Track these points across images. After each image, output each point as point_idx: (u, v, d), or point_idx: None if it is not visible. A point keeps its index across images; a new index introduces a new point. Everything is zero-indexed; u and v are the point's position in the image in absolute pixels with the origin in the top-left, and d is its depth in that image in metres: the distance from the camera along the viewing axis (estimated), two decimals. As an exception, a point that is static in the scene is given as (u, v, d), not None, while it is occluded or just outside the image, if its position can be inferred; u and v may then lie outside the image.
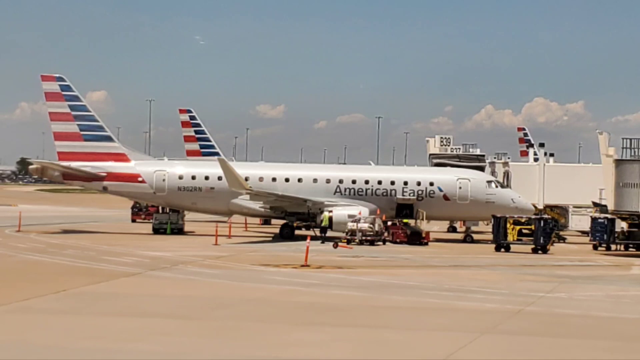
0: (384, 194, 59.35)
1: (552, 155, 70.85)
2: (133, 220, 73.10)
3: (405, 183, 59.26)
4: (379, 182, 59.56)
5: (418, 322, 25.69)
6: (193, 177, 59.47)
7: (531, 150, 76.07)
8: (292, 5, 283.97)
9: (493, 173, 65.37)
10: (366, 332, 23.44)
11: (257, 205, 58.10)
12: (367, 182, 59.60)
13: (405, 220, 58.05)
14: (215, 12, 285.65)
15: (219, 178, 57.02)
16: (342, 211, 56.52)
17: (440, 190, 58.79)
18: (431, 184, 58.99)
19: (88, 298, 28.60)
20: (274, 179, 59.69)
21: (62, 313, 25.51)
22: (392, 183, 59.44)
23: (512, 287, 33.72)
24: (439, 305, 28.94)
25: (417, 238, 55.40)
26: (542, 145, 71.03)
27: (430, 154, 71.03)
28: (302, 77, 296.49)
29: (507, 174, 65.79)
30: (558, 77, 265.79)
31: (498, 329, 24.47)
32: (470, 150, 70.32)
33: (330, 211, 56.33)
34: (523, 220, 52.30)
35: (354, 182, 59.54)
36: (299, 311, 27.02)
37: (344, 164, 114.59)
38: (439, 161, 67.49)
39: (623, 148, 51.76)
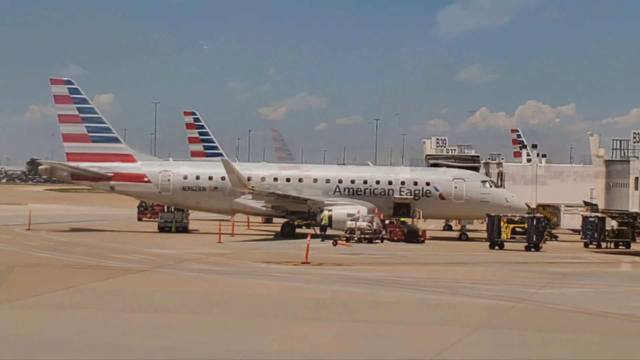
0: (382, 193, 60.08)
1: (544, 156, 71.17)
2: (139, 219, 73.76)
3: (403, 183, 60.04)
4: (377, 182, 60.20)
5: (415, 317, 25.95)
6: (197, 177, 60.17)
7: (524, 151, 76.46)
8: (293, 12, 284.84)
9: (487, 173, 65.94)
10: (365, 327, 23.72)
11: (259, 205, 58.78)
12: (365, 182, 60.27)
13: (402, 219, 58.62)
14: (218, 18, 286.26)
15: (222, 178, 57.76)
16: (341, 210, 57.18)
17: (437, 189, 59.52)
18: (427, 183, 59.75)
19: (96, 294, 28.91)
20: (275, 179, 60.49)
21: (71, 308, 25.75)
22: (390, 183, 60.20)
23: (505, 284, 34.11)
24: (435, 301, 29.25)
25: (414, 236, 55.85)
26: (534, 146, 71.67)
27: (426, 155, 71.47)
28: (302, 81, 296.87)
29: (501, 174, 66.53)
30: (550, 81, 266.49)
31: (492, 324, 24.75)
32: (465, 151, 70.97)
33: (330, 210, 56.94)
34: (516, 218, 52.85)
35: (352, 182, 60.22)
36: (299, 306, 27.33)
37: (343, 164, 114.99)
38: (435, 162, 68.14)
39: (613, 149, 52.37)
